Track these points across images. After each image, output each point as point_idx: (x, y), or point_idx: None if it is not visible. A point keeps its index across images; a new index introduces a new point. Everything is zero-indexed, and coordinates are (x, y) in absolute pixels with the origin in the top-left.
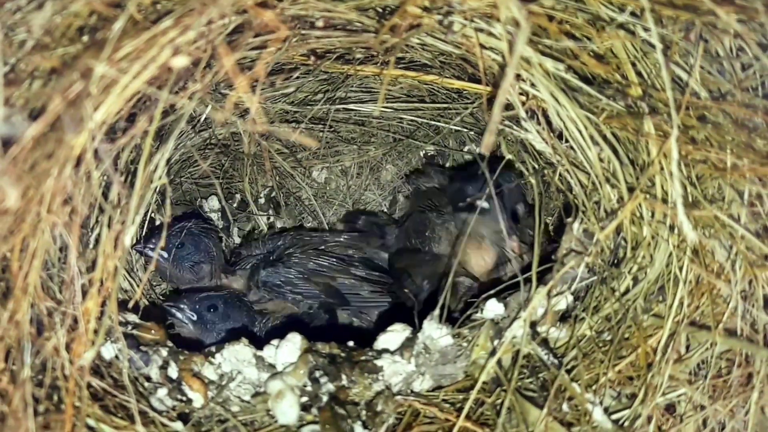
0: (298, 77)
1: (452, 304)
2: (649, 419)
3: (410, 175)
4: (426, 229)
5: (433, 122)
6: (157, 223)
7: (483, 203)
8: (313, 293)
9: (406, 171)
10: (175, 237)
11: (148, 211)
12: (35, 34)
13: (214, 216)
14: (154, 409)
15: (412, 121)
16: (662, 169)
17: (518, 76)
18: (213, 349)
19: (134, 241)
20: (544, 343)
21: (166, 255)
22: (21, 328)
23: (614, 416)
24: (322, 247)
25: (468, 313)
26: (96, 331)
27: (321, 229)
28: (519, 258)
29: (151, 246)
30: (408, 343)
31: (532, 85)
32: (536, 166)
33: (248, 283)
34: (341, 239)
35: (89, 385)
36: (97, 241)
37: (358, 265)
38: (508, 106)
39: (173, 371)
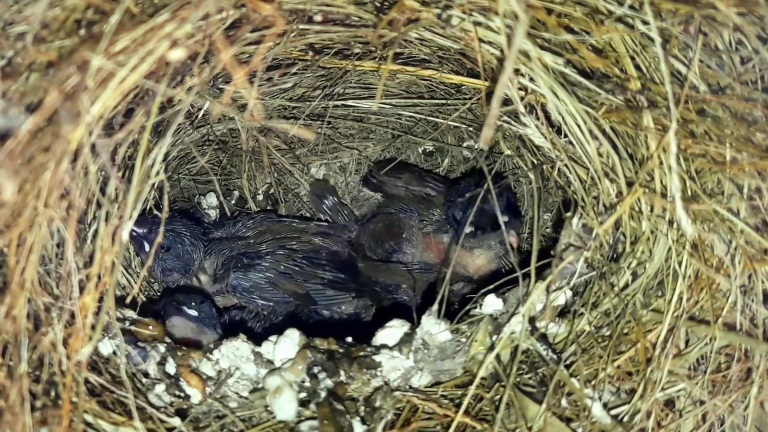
0: (296, 73)
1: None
2: (649, 414)
3: (369, 177)
4: (402, 231)
5: (431, 118)
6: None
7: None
8: (282, 298)
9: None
10: (166, 238)
11: (146, 208)
12: (32, 27)
13: (212, 213)
14: (152, 405)
15: (410, 117)
16: (661, 163)
17: (517, 71)
18: (211, 345)
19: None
20: (543, 338)
21: (147, 247)
22: (18, 324)
23: (613, 411)
24: (294, 244)
25: (466, 308)
26: (93, 327)
27: (290, 215)
28: (516, 252)
29: (137, 231)
30: (406, 339)
31: (531, 79)
32: (535, 161)
33: (218, 284)
34: (311, 225)
35: (87, 381)
36: (94, 236)
37: (326, 266)
38: (507, 101)
39: (171, 367)
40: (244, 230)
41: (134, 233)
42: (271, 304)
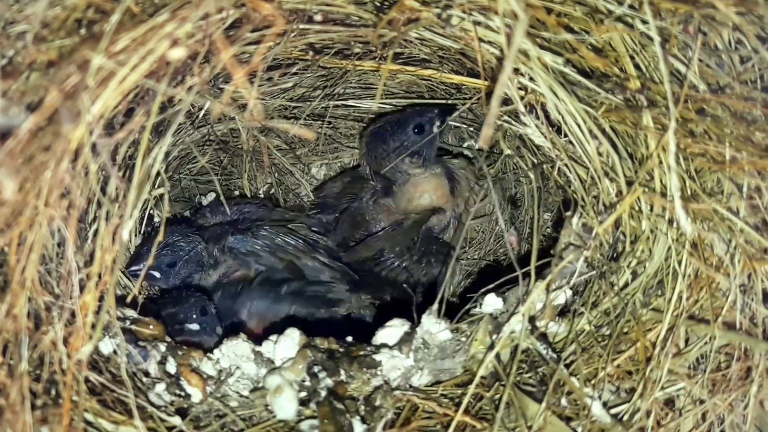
0: (296, 72)
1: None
2: (648, 413)
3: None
4: (364, 216)
5: None
6: (151, 224)
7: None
8: (277, 268)
9: None
10: (166, 256)
11: (147, 207)
12: (33, 27)
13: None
14: (152, 404)
15: None
16: (661, 162)
17: (517, 70)
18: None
19: (129, 245)
20: (543, 337)
21: (158, 275)
22: (18, 322)
23: (613, 410)
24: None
25: (466, 307)
26: (94, 326)
27: (288, 207)
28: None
29: (140, 268)
30: (407, 338)
31: (531, 79)
32: (535, 161)
33: (214, 248)
34: (309, 221)
35: (87, 380)
36: (95, 235)
37: (322, 252)
38: (507, 101)
39: (172, 366)
40: (239, 217)
41: (137, 272)
42: (263, 268)
